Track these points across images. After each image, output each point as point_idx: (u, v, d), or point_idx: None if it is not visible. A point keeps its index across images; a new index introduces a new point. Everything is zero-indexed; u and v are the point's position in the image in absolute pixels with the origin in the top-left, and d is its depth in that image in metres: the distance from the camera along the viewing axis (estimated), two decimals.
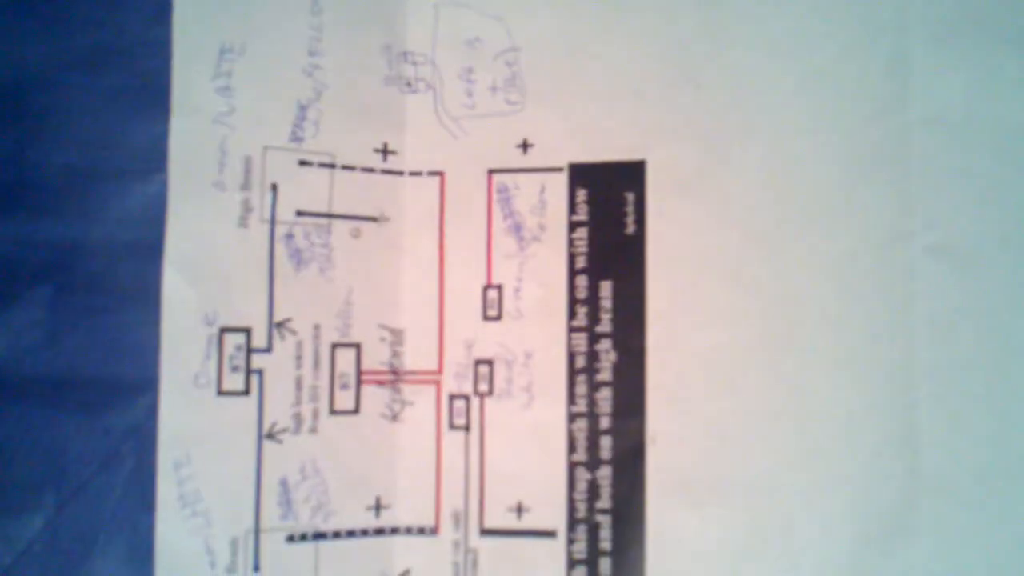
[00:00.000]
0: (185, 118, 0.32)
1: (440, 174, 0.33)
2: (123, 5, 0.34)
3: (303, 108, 0.32)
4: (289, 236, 0.32)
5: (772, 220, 0.32)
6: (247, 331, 0.32)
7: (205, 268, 0.32)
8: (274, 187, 0.32)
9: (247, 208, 0.32)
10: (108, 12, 0.34)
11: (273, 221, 0.32)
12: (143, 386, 0.33)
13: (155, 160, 0.33)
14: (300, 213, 0.32)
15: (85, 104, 0.34)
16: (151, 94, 0.33)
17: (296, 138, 0.32)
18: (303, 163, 0.32)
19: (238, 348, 0.32)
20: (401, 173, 0.33)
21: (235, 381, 0.32)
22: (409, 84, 0.33)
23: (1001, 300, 0.31)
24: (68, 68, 0.34)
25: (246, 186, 0.32)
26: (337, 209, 0.33)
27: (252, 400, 0.32)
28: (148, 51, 0.33)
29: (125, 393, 0.33)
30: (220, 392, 0.32)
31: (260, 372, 0.32)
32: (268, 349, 0.32)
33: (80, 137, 0.34)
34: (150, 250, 0.33)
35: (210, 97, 0.32)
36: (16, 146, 0.34)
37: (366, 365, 0.33)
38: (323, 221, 0.33)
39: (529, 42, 0.33)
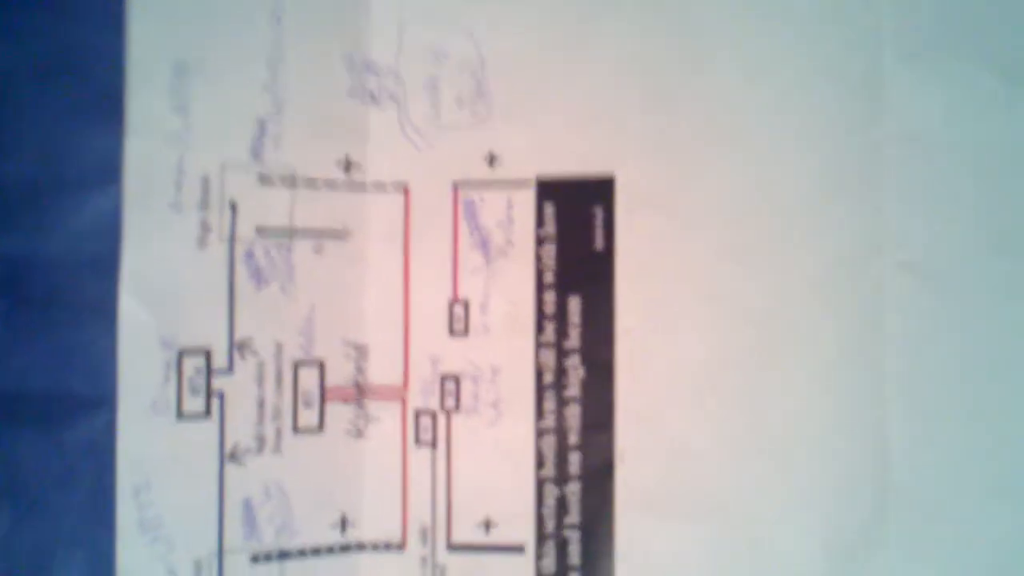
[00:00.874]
0: (140, 138, 0.31)
1: (404, 188, 0.33)
2: (75, 14, 0.33)
3: (262, 123, 0.32)
4: (249, 254, 0.32)
5: (743, 236, 0.32)
6: (207, 352, 0.31)
7: (163, 291, 0.31)
8: (233, 205, 0.32)
9: (205, 228, 0.31)
10: (60, 21, 0.33)
11: (232, 240, 0.31)
12: (99, 402, 0.32)
13: (109, 173, 0.32)
14: (260, 230, 0.32)
15: (37, 115, 0.33)
16: (105, 105, 0.32)
17: (255, 154, 0.32)
18: (263, 179, 0.32)
19: (198, 371, 0.31)
20: (364, 186, 0.32)
21: (195, 404, 0.31)
22: (372, 96, 0.33)
23: (971, 316, 0.31)
24: (19, 78, 0.33)
25: (204, 205, 0.31)
26: (299, 225, 0.32)
27: (213, 423, 0.31)
28: (101, 61, 0.32)
29: (81, 409, 0.32)
30: (180, 416, 0.31)
31: (221, 394, 0.31)
32: (229, 370, 0.31)
33: (33, 149, 0.33)
34: (105, 265, 0.32)
35: (165, 116, 0.31)
36: None
37: (330, 382, 0.32)
38: (284, 238, 0.32)
39: (496, 54, 0.33)
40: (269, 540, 0.32)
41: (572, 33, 0.33)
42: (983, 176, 0.31)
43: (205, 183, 0.31)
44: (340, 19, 0.33)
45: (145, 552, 0.30)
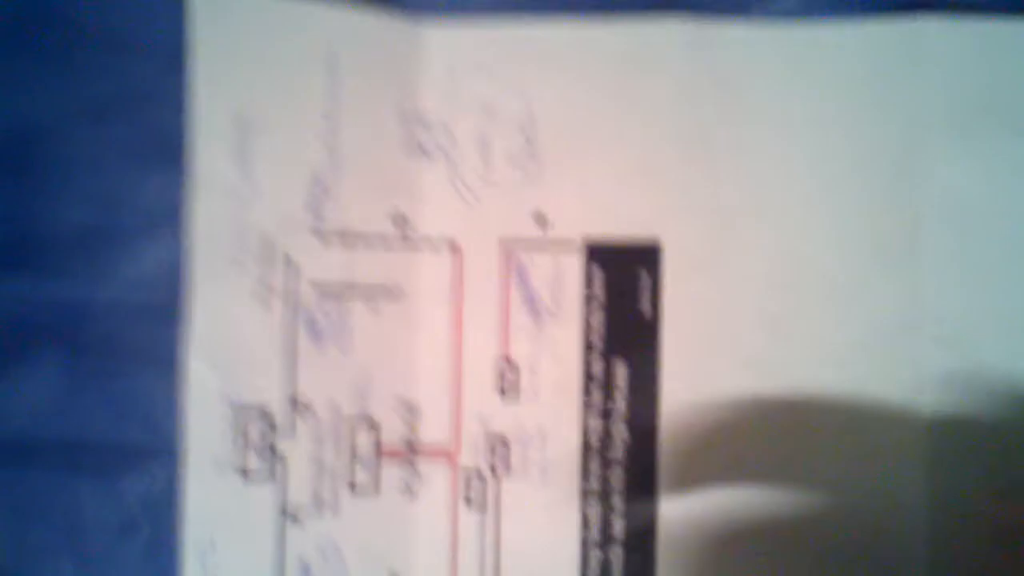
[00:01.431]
0: (203, 191, 0.31)
1: (454, 244, 0.33)
2: (134, 52, 0.33)
3: (319, 177, 0.32)
4: (309, 313, 0.32)
5: (782, 305, 0.32)
6: (268, 412, 0.32)
7: (226, 348, 0.31)
8: (291, 261, 0.32)
9: (265, 285, 0.32)
10: (118, 59, 0.33)
11: (292, 297, 0.32)
12: (158, 453, 0.32)
13: (169, 221, 0.32)
14: (317, 286, 0.32)
15: (96, 158, 0.33)
16: (163, 149, 0.32)
17: (312, 209, 0.32)
18: (319, 234, 0.32)
19: (260, 432, 0.32)
20: (415, 242, 0.33)
21: (258, 464, 0.32)
22: (424, 150, 0.33)
23: (1007, 393, 0.31)
24: (76, 119, 0.33)
25: (263, 261, 0.32)
26: (355, 280, 0.32)
27: (275, 484, 0.32)
28: (160, 102, 0.32)
29: (140, 458, 0.33)
30: (244, 477, 0.32)
31: (282, 455, 0.32)
32: (291, 430, 0.32)
33: (90, 193, 0.33)
34: (164, 314, 0.32)
35: (227, 170, 0.31)
36: (24, 202, 0.33)
37: (385, 441, 0.33)
38: (341, 296, 0.32)
39: (546, 112, 0.33)
40: None
41: (620, 92, 0.33)
42: (1019, 252, 0.31)
43: (263, 238, 0.32)
44: (394, 71, 0.33)
45: None
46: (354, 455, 0.32)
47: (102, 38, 0.33)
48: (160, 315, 0.32)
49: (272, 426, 0.32)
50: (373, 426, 0.33)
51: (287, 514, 0.32)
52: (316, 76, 0.32)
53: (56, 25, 0.33)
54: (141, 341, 0.33)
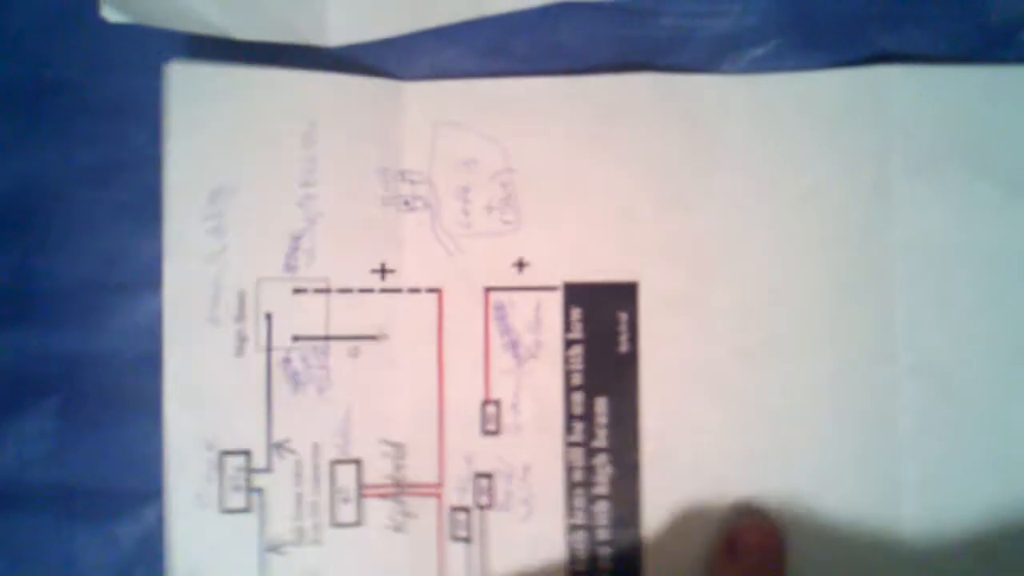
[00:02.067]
0: (177, 257, 0.33)
1: (438, 291, 0.34)
2: (127, 119, 0.35)
3: (296, 239, 0.33)
4: (286, 361, 0.33)
5: (758, 339, 0.33)
6: (247, 453, 0.33)
7: (203, 397, 0.33)
8: (269, 317, 0.33)
9: (242, 338, 0.33)
10: (113, 126, 0.35)
11: (269, 349, 0.33)
12: (150, 497, 0.34)
13: (157, 275, 0.33)
14: (297, 338, 0.33)
15: (90, 217, 0.35)
16: (154, 208, 0.34)
17: (290, 268, 0.34)
18: (298, 291, 0.33)
19: (238, 469, 0.33)
20: (400, 291, 0.34)
21: (237, 499, 0.33)
22: (407, 203, 0.34)
23: (980, 417, 0.33)
24: (74, 181, 0.35)
25: (240, 318, 0.33)
26: (334, 331, 0.34)
27: (253, 516, 0.33)
28: (152, 165, 0.34)
29: (133, 503, 0.34)
30: (223, 510, 0.33)
31: (260, 490, 0.33)
32: (268, 469, 0.33)
33: (87, 250, 0.35)
34: (154, 364, 0.33)
35: (201, 239, 0.33)
36: (23, 258, 0.35)
37: (369, 479, 0.34)
38: (320, 344, 0.34)
39: (523, 163, 0.34)
40: None
41: (594, 142, 0.34)
42: (988, 282, 0.33)
43: (241, 297, 0.33)
44: (375, 130, 0.34)
45: None
46: (333, 491, 0.33)
47: (99, 105, 0.35)
48: (150, 364, 0.34)
49: (250, 464, 0.33)
50: (355, 464, 0.34)
51: (266, 544, 0.33)
52: (293, 142, 0.34)
53: (55, 92, 0.35)
54: (132, 389, 0.35)
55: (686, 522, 0.33)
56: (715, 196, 0.33)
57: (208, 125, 0.33)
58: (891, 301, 0.33)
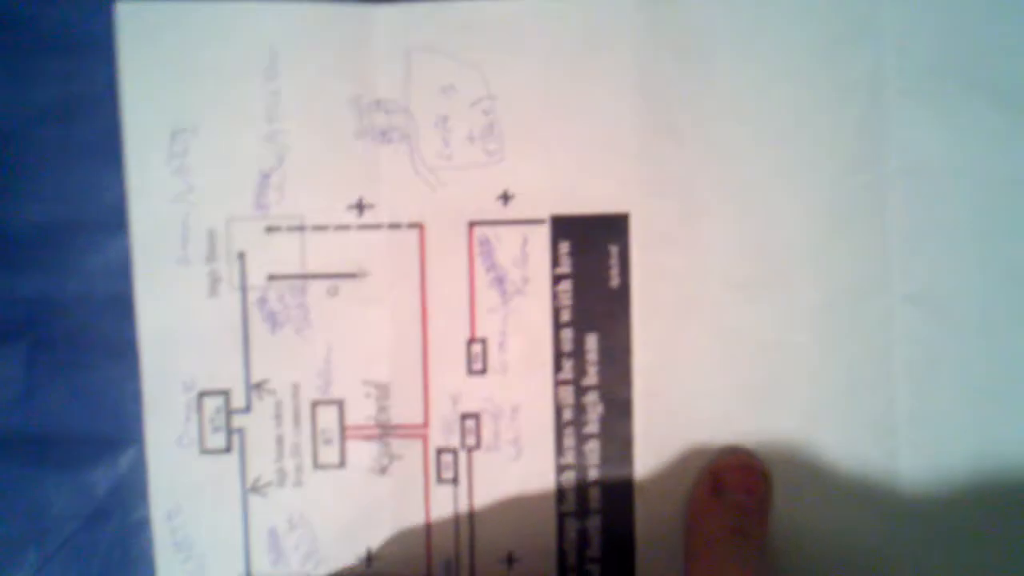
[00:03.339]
0: (142, 200, 0.32)
1: (420, 226, 0.33)
2: (86, 54, 0.33)
3: (265, 176, 0.32)
4: (262, 300, 0.32)
5: (751, 271, 0.32)
6: (225, 393, 0.32)
7: (178, 338, 0.32)
8: (241, 256, 0.32)
9: (215, 278, 0.32)
10: (77, 63, 0.33)
11: (244, 288, 0.32)
12: (124, 442, 0.33)
13: (124, 214, 0.32)
14: (272, 277, 0.32)
15: (56, 157, 0.33)
16: (118, 146, 0.32)
17: (261, 206, 0.32)
18: (271, 229, 0.32)
19: (217, 410, 0.33)
20: (379, 227, 0.33)
21: (216, 440, 0.33)
22: (384, 134, 0.33)
23: (978, 347, 0.32)
24: (38, 120, 0.33)
25: (212, 258, 0.32)
26: (311, 270, 0.32)
27: (234, 457, 0.33)
28: (114, 103, 0.32)
29: (106, 449, 0.33)
30: (203, 451, 0.32)
31: (240, 431, 0.33)
32: (247, 409, 0.32)
33: (51, 190, 0.33)
34: (124, 306, 0.33)
35: (166, 179, 0.32)
36: None
37: (351, 420, 0.33)
38: (297, 283, 0.32)
39: (505, 90, 0.33)
40: (296, 567, 0.33)
41: (579, 67, 0.32)
42: (986, 208, 0.32)
43: (211, 237, 0.32)
44: (342, 62, 0.32)
45: (180, 570, 0.32)
46: (315, 432, 0.33)
47: (55, 40, 0.33)
48: (121, 307, 0.33)
49: (228, 405, 0.33)
50: (337, 405, 0.33)
51: (248, 485, 0.33)
52: (254, 77, 0.32)
53: (7, 27, 0.33)
54: (102, 333, 0.34)
55: (678, 460, 0.32)
56: (705, 123, 0.32)
57: (163, 64, 0.32)
58: (885, 230, 0.32)
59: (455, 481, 0.33)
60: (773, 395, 0.32)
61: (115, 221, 0.33)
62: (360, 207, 0.33)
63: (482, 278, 0.33)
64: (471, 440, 0.33)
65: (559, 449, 0.33)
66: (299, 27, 0.32)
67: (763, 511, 0.31)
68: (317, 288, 0.32)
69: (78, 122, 0.33)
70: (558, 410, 0.33)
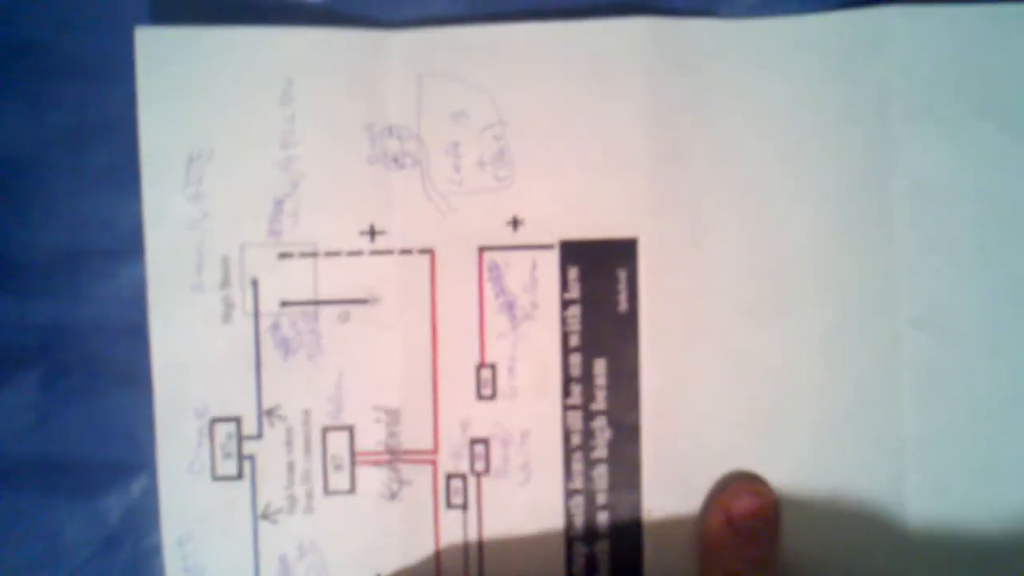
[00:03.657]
0: (157, 226, 0.32)
1: (430, 252, 0.33)
2: (103, 80, 0.33)
3: (279, 202, 0.32)
4: (275, 326, 0.32)
5: (758, 293, 0.32)
6: (237, 420, 0.33)
7: (191, 365, 0.32)
8: (255, 282, 0.32)
9: (228, 304, 0.32)
10: (89, 88, 0.33)
11: (256, 314, 0.32)
12: (137, 468, 0.33)
13: (139, 241, 0.33)
14: (285, 303, 0.33)
15: (71, 183, 0.33)
16: (134, 173, 0.33)
17: (274, 232, 0.33)
18: (284, 255, 0.32)
19: (229, 436, 0.33)
20: (391, 252, 0.33)
21: (228, 467, 0.33)
22: (396, 160, 0.33)
23: (985, 368, 0.32)
24: (54, 146, 0.33)
25: (225, 284, 0.32)
26: (323, 296, 0.33)
27: (245, 483, 0.33)
28: (130, 128, 0.33)
29: (119, 475, 0.33)
30: (214, 477, 0.33)
31: (252, 457, 0.33)
32: (258, 436, 0.33)
33: (66, 217, 0.34)
34: (138, 332, 0.33)
35: (182, 206, 0.32)
36: (2, 226, 0.33)
37: (361, 446, 0.33)
38: (309, 309, 0.32)
39: (516, 116, 0.33)
40: None
41: (587, 91, 0.33)
42: (991, 229, 0.32)
43: (225, 263, 0.32)
44: (356, 88, 0.33)
45: None
46: (326, 458, 0.33)
47: (72, 66, 0.34)
48: (134, 334, 0.33)
49: (240, 431, 0.33)
50: (348, 431, 0.33)
51: (259, 512, 0.33)
52: (269, 102, 0.33)
53: (25, 53, 0.33)
54: (116, 360, 0.34)
55: (687, 484, 0.32)
56: (714, 146, 0.32)
57: (181, 89, 0.32)
58: (892, 252, 0.32)
59: (464, 507, 0.33)
60: (781, 418, 0.32)
61: (129, 248, 0.33)
62: (372, 233, 0.33)
63: (491, 303, 0.33)
64: (480, 465, 0.33)
65: (568, 474, 0.33)
66: (314, 53, 0.33)
67: (775, 537, 0.31)
68: (329, 314, 0.33)
69: (93, 148, 0.33)
70: (567, 435, 0.33)
